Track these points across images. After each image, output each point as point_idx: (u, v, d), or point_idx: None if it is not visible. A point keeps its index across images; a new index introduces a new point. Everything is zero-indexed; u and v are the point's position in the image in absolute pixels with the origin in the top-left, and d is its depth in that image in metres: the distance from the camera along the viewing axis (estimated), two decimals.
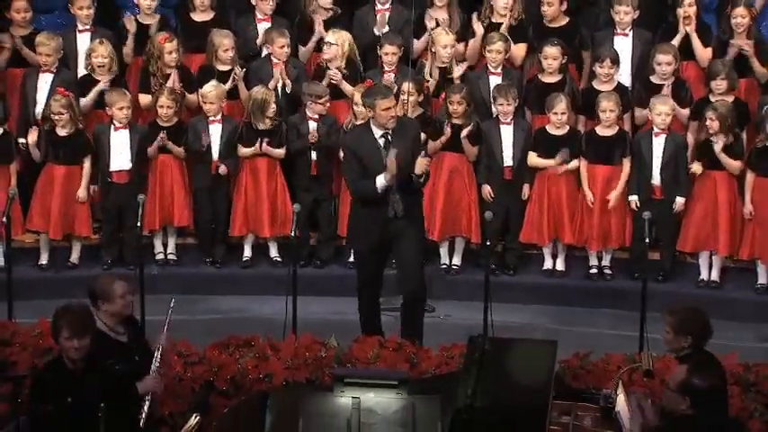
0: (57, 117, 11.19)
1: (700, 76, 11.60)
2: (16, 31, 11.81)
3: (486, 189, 11.32)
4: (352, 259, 11.43)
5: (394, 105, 9.84)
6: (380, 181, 9.73)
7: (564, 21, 11.77)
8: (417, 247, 10.02)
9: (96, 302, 8.24)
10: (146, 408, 8.01)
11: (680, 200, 11.14)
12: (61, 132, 11.26)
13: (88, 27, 11.75)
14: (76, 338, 7.74)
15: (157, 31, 11.64)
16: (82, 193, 11.31)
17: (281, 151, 11.38)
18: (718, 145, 10.95)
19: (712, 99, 11.17)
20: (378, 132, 9.81)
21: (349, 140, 10.22)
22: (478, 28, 11.68)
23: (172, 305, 8.49)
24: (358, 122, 10.85)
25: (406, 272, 10.08)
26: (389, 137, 9.80)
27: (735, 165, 11.02)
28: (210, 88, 11.34)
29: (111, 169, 11.32)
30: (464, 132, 11.17)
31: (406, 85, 10.82)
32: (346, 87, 11.47)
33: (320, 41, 11.73)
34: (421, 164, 9.78)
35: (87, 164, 11.34)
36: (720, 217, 11.07)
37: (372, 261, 10.10)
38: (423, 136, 10.51)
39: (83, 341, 7.76)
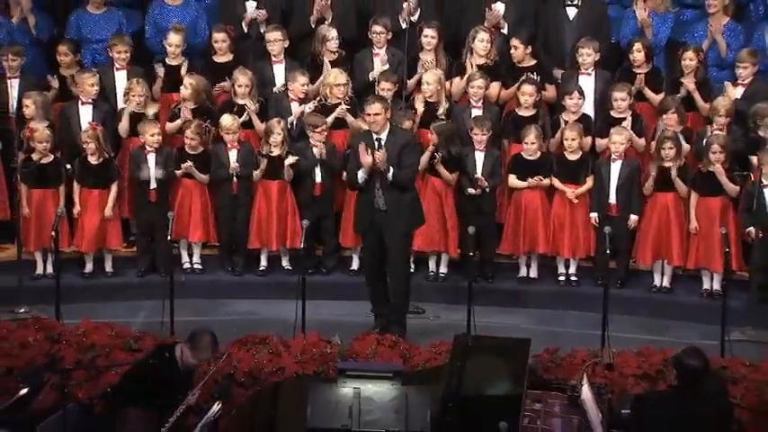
0: (85, 146, 11.35)
1: (652, 113, 11.73)
2: (63, 71, 12.01)
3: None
4: (353, 267, 11.59)
5: (375, 113, 10.20)
6: (360, 173, 10.21)
7: (531, 62, 11.92)
8: (400, 239, 10.31)
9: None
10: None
11: (633, 217, 11.26)
12: (92, 160, 11.39)
13: (124, 65, 11.91)
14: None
15: (186, 72, 11.82)
16: (108, 212, 11.40)
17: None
18: (674, 170, 11.07)
19: (662, 128, 11.30)
20: (375, 135, 10.28)
21: (355, 139, 10.67)
22: (469, 68, 11.78)
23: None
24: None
25: (390, 260, 10.34)
26: (381, 141, 10.23)
27: (684, 188, 11.15)
28: (231, 121, 11.46)
29: (150, 188, 11.45)
30: (436, 159, 11.29)
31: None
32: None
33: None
34: (377, 156, 10.11)
35: (114, 188, 11.46)
36: (672, 232, 11.17)
37: (367, 246, 10.49)
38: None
39: None
